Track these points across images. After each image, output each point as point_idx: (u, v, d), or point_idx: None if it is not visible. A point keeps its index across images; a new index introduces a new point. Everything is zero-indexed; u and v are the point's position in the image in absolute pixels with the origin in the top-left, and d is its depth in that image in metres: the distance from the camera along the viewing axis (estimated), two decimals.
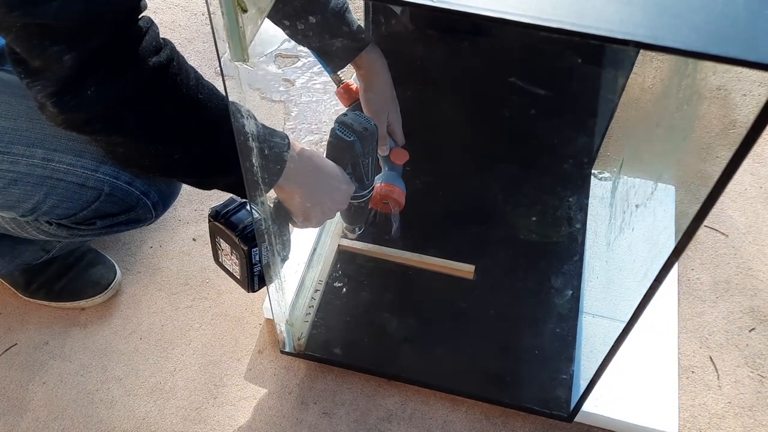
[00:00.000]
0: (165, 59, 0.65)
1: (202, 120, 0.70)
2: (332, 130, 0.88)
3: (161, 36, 0.67)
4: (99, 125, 0.66)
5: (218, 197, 0.83)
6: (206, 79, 0.72)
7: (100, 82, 0.62)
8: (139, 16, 0.65)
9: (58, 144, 0.80)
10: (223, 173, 0.74)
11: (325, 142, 0.90)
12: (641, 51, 0.99)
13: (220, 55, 0.58)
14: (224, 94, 0.67)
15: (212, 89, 0.71)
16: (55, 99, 0.62)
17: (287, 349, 1.04)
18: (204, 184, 0.78)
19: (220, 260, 0.88)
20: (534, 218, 1.19)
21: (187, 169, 0.74)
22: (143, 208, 0.87)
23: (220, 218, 0.81)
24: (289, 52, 1.52)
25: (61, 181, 0.80)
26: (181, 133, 0.70)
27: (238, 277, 0.86)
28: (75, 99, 0.62)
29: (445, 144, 1.23)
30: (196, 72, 0.70)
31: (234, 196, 0.82)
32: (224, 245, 0.83)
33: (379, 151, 1.01)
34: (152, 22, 0.66)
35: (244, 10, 0.53)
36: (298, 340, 1.04)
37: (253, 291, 0.86)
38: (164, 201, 0.89)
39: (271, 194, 0.80)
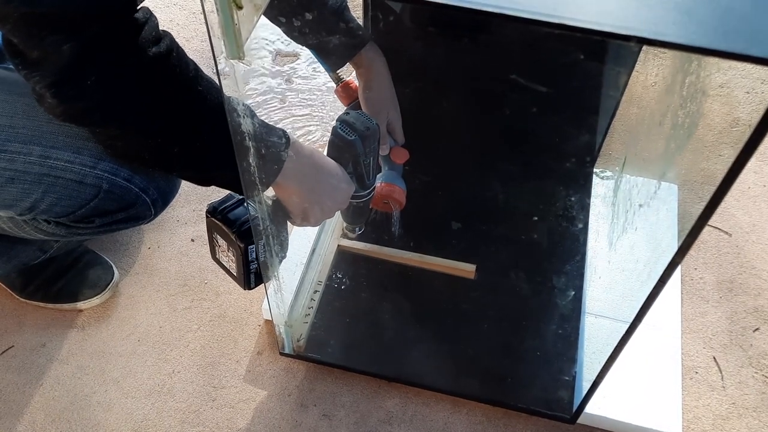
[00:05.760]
0: (165, 49, 0.65)
1: (202, 112, 0.69)
2: (334, 128, 0.87)
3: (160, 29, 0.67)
4: (98, 116, 0.66)
5: (216, 197, 0.82)
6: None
7: (99, 72, 0.62)
8: (138, 7, 0.64)
9: (55, 141, 0.79)
10: (222, 168, 0.73)
11: (321, 141, 0.89)
12: (644, 47, 0.98)
13: (216, 53, 0.57)
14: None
15: (211, 82, 0.70)
16: (54, 89, 0.62)
17: (286, 351, 1.03)
18: (203, 179, 0.78)
19: (217, 256, 0.87)
20: (535, 217, 1.18)
21: (186, 163, 0.74)
22: (142, 206, 0.86)
23: (217, 214, 0.80)
24: (289, 50, 1.51)
25: (59, 178, 0.80)
26: (180, 126, 0.69)
27: (235, 274, 0.85)
28: (74, 89, 0.62)
29: (446, 143, 1.22)
30: (195, 64, 0.70)
31: (232, 193, 0.81)
32: (221, 242, 0.83)
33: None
34: (151, 12, 0.65)
35: (239, 7, 0.52)
36: (298, 341, 1.03)
37: (250, 288, 0.85)
38: (163, 198, 0.88)
39: (270, 192, 0.79)
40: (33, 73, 0.62)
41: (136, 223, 0.90)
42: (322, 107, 1.41)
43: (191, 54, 0.70)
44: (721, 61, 0.46)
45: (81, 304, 1.10)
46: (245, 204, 0.79)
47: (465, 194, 1.22)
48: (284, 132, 0.75)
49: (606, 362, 0.82)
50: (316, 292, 1.09)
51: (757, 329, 1.10)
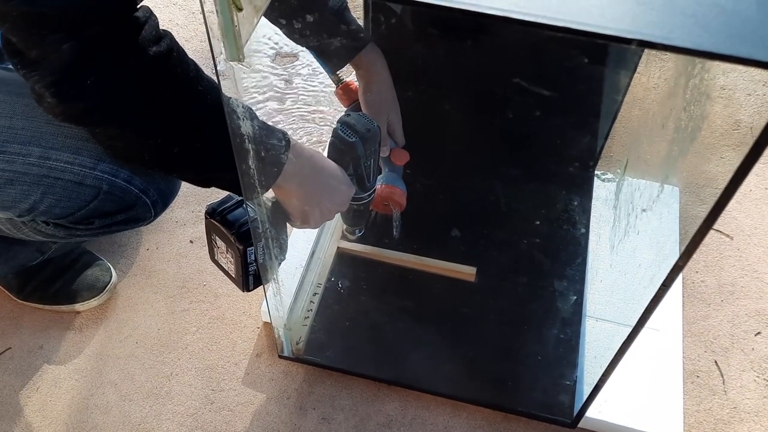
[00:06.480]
0: (165, 49, 0.64)
1: (203, 112, 0.69)
2: (334, 129, 0.86)
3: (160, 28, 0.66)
4: (98, 116, 0.65)
5: (216, 198, 0.82)
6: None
7: (99, 71, 0.61)
8: (138, 6, 0.63)
9: (55, 142, 0.78)
10: (224, 169, 0.72)
11: (319, 143, 0.88)
12: (645, 50, 0.97)
13: (216, 55, 0.56)
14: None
15: (211, 82, 0.70)
16: (54, 89, 0.61)
17: (285, 354, 1.03)
18: (203, 180, 0.77)
19: (215, 258, 0.86)
20: (537, 220, 1.17)
21: (186, 163, 0.73)
22: (142, 207, 0.85)
23: (216, 215, 0.80)
24: (288, 51, 1.50)
25: (59, 179, 0.79)
26: (180, 126, 0.69)
27: (233, 275, 0.84)
28: (74, 89, 0.61)
29: (446, 145, 1.22)
30: (196, 64, 0.69)
31: (231, 194, 0.81)
32: (220, 243, 0.82)
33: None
34: (151, 12, 0.65)
35: (239, 9, 0.51)
36: (297, 344, 1.02)
37: (248, 290, 0.85)
38: (163, 199, 0.88)
39: (269, 193, 0.79)
40: (32, 73, 0.61)
41: (136, 225, 0.89)
42: (322, 108, 1.40)
43: (191, 54, 0.69)
44: (724, 64, 0.46)
45: (79, 306, 1.10)
46: (244, 205, 0.78)
47: (466, 196, 1.22)
48: (284, 134, 0.74)
49: (608, 366, 0.81)
50: (315, 294, 1.08)
51: (758, 333, 1.10)
